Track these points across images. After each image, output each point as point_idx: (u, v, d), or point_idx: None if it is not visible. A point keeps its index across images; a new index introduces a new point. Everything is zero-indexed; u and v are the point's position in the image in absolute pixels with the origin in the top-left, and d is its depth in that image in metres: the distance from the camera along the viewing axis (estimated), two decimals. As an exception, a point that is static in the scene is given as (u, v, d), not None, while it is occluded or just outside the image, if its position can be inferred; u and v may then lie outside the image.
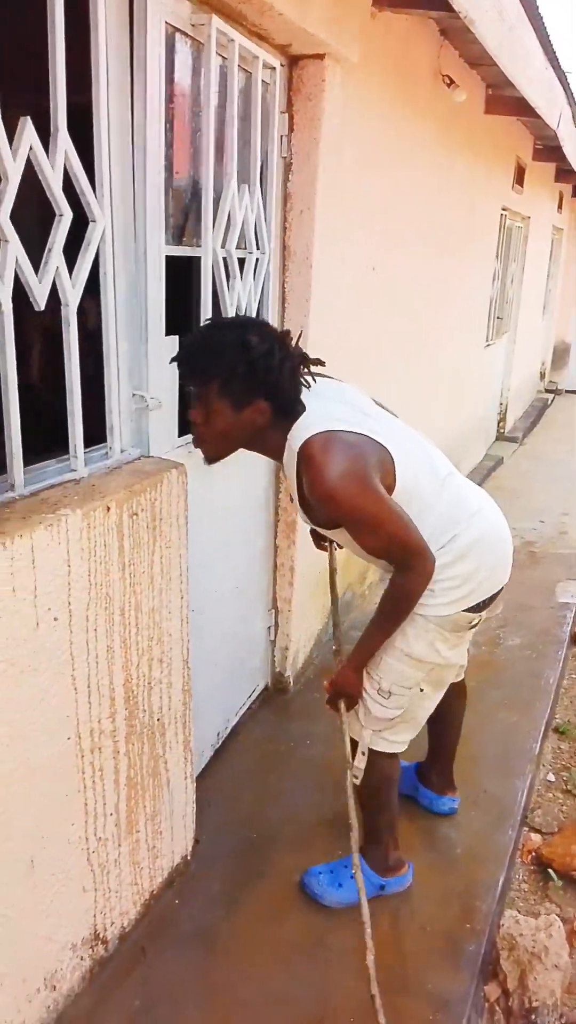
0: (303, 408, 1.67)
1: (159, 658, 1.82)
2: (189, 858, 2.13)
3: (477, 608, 1.84)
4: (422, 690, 1.92)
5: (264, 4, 1.94)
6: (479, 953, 1.93)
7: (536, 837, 2.44)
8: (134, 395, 1.84)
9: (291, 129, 2.42)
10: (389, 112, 3.05)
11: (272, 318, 2.53)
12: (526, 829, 2.47)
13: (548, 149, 6.35)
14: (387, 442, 1.68)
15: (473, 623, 1.88)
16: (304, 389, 1.69)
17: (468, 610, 1.83)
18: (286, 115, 2.39)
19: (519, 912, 2.15)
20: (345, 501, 1.62)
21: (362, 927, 1.71)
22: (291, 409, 1.66)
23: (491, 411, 7.24)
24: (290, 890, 2.08)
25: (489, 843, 2.29)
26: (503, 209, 5.96)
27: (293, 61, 2.37)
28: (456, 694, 2.21)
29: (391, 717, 1.92)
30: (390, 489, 1.67)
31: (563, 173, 7.74)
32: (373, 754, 1.97)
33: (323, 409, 1.67)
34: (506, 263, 6.63)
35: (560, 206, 9.37)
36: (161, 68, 1.71)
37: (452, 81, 3.64)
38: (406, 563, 1.72)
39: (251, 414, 1.64)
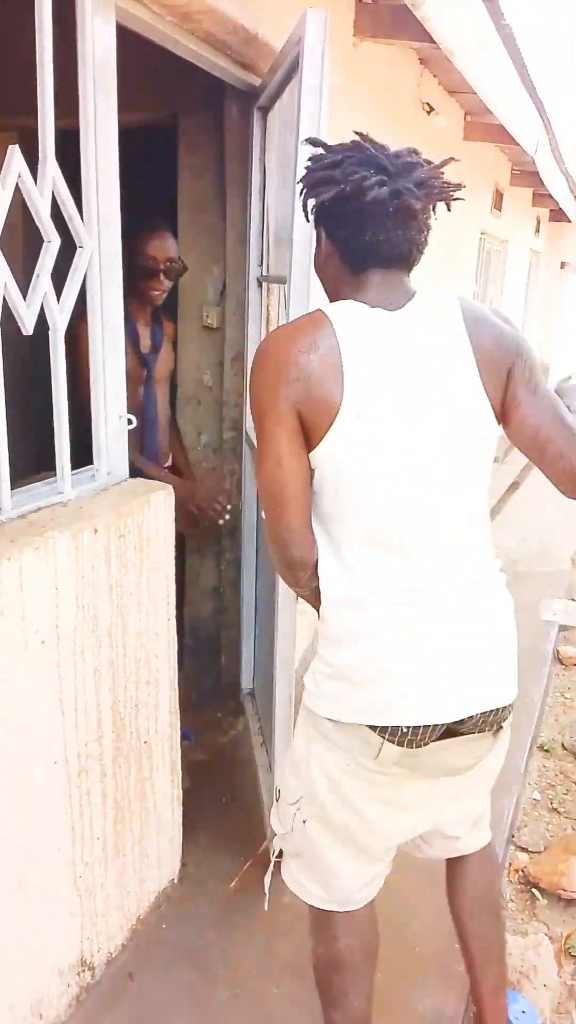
0: (398, 292, 1.28)
1: (146, 680, 1.82)
2: (177, 881, 2.11)
3: (392, 733, 1.22)
4: (304, 822, 1.38)
5: (249, 34, 1.99)
6: (468, 973, 1.93)
7: (523, 856, 2.44)
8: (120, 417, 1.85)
9: (275, 155, 2.46)
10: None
11: (254, 335, 2.57)
12: (513, 848, 2.48)
13: (526, 174, 6.48)
14: (364, 401, 1.19)
15: (391, 756, 1.25)
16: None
17: (376, 729, 1.23)
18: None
19: (508, 932, 2.15)
20: (253, 379, 1.26)
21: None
22: (359, 264, 1.29)
23: (473, 431, 7.30)
24: (281, 911, 2.07)
25: (476, 862, 2.28)
26: (482, 233, 6.05)
27: (277, 89, 2.42)
28: (472, 909, 1.59)
29: (280, 832, 1.46)
30: (311, 436, 1.21)
31: (540, 198, 7.88)
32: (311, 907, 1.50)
33: (396, 315, 1.25)
34: (485, 286, 6.73)
35: (537, 230, 9.52)
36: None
37: (432, 108, 3.72)
38: (265, 515, 1.29)
39: (320, 248, 1.36)
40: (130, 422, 1.84)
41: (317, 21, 1.67)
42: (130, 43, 1.89)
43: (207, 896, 2.10)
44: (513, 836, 2.51)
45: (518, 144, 4.66)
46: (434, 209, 1.31)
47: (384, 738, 1.23)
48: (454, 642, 1.26)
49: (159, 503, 1.80)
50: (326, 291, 1.38)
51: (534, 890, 2.29)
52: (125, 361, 2.37)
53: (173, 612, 1.91)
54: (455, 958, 1.97)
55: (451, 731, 1.26)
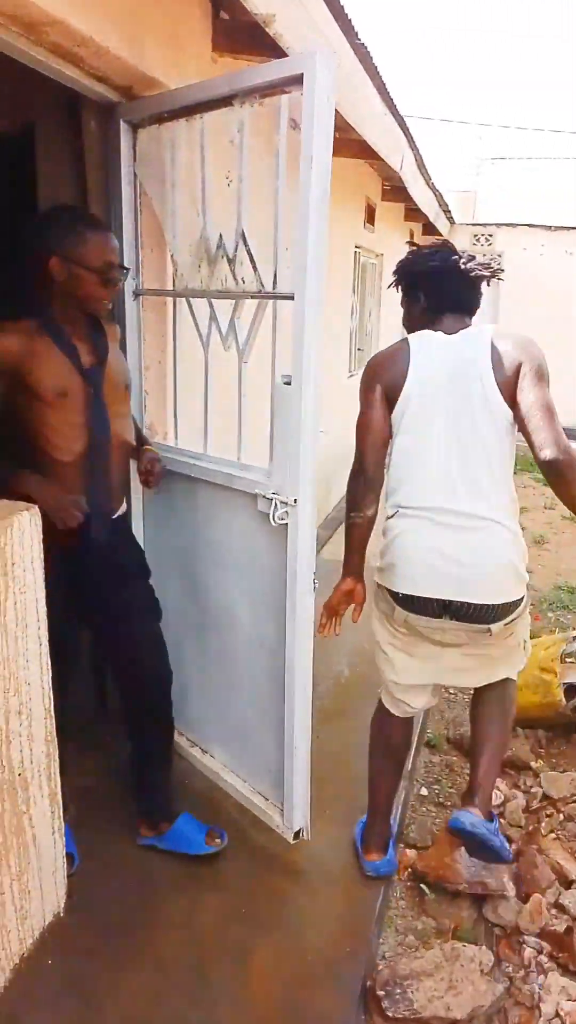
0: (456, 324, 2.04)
1: (17, 710, 1.76)
2: (63, 914, 2.04)
3: (401, 599, 1.98)
4: (379, 648, 2.18)
5: (99, 46, 1.96)
6: (359, 975, 1.95)
7: (412, 852, 2.48)
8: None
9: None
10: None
11: (134, 349, 2.54)
12: (402, 845, 2.52)
13: (395, 189, 6.68)
14: (415, 383, 1.97)
15: (401, 616, 2.02)
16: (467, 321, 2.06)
17: (392, 595, 2.00)
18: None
19: (397, 929, 2.19)
20: (362, 376, 2.09)
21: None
22: (436, 312, 2.06)
23: (357, 438, 7.45)
24: (173, 932, 2.03)
25: (366, 863, 2.32)
26: (356, 247, 6.20)
27: (135, 103, 2.40)
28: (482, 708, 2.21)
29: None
30: (391, 407, 2.01)
31: (412, 212, 8.16)
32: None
33: (451, 337, 2.01)
34: (363, 298, 6.90)
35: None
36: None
37: (297, 124, 3.78)
38: (357, 451, 2.09)
39: (409, 307, 2.16)
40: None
41: (325, 66, 1.91)
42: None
43: (94, 927, 2.04)
44: (402, 834, 2.56)
45: (384, 160, 4.81)
46: (487, 279, 2.09)
47: (396, 602, 2.01)
48: (449, 549, 1.92)
49: (25, 524, 1.74)
50: (407, 330, 2.15)
51: (421, 885, 2.34)
52: (65, 384, 1.98)
53: (45, 636, 1.85)
54: (344, 959, 2.00)
55: (454, 615, 1.95)
